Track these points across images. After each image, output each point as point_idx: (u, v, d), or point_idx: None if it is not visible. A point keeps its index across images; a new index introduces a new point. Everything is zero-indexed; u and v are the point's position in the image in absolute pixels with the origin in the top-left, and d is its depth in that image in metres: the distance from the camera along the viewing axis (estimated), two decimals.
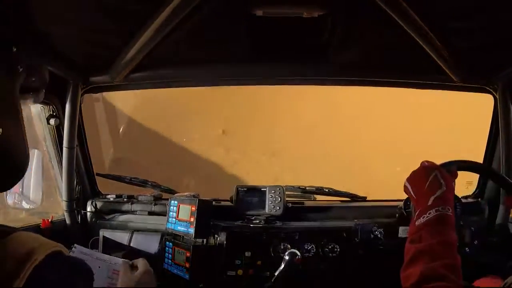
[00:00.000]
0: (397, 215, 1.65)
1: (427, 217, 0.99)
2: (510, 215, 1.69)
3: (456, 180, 1.16)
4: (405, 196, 1.62)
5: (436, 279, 0.88)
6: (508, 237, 1.67)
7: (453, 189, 1.09)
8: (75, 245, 1.27)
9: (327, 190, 1.81)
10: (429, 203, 1.01)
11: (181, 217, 1.64)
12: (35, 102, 1.17)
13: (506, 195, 1.32)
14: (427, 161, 1.14)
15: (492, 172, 1.56)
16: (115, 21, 1.28)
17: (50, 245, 0.68)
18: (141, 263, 1.09)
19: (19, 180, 0.76)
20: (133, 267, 1.08)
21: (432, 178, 1.05)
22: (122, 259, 1.14)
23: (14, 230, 0.67)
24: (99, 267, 1.19)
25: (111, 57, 1.55)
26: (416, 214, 1.03)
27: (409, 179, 1.12)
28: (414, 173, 1.12)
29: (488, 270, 1.47)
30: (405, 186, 1.13)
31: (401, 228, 1.35)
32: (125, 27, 1.33)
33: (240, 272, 1.60)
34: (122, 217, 1.80)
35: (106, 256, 1.21)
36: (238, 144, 3.95)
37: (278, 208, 1.68)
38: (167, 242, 1.66)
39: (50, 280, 0.65)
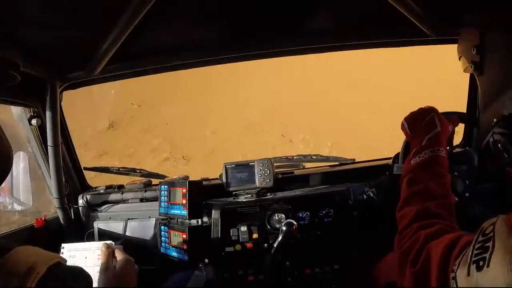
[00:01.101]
0: (387, 172, 1.67)
1: (422, 157, 1.02)
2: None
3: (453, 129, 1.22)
4: (391, 155, 1.66)
5: (431, 217, 0.91)
6: (501, 182, 1.68)
7: (449, 132, 1.13)
8: (63, 245, 1.29)
9: (314, 157, 1.83)
10: (423, 143, 1.04)
11: (173, 200, 1.66)
12: None
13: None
14: (427, 106, 1.17)
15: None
16: (85, 15, 1.29)
17: (49, 257, 0.72)
18: (119, 254, 1.07)
19: (2, 181, 0.79)
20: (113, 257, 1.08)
21: (429, 118, 1.09)
22: (103, 242, 1.13)
23: (11, 247, 0.70)
24: (86, 257, 1.20)
25: (86, 52, 1.56)
26: (412, 152, 1.06)
27: (407, 118, 1.16)
28: (412, 113, 1.16)
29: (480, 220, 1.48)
30: (402, 124, 1.17)
31: (395, 166, 1.38)
32: (97, 21, 1.34)
33: (238, 247, 1.62)
34: (115, 207, 1.81)
35: (91, 244, 1.22)
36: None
37: (268, 180, 1.70)
38: (162, 226, 1.68)
39: None
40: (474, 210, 1.61)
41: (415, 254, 0.85)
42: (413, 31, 1.66)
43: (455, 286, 0.68)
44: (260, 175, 1.70)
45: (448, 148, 1.48)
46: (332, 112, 4.28)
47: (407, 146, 1.31)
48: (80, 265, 1.20)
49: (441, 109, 1.24)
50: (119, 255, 1.07)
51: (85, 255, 1.21)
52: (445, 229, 0.86)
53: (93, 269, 1.14)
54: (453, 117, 1.23)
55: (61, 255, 1.25)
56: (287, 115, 4.44)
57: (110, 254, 1.07)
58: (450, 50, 1.75)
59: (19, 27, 1.26)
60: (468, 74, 1.74)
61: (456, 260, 0.70)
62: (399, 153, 1.54)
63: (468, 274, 0.63)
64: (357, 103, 4.33)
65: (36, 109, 1.72)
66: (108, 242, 1.12)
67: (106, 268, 1.04)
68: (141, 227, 1.73)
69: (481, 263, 0.61)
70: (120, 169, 1.87)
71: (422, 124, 1.09)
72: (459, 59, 1.63)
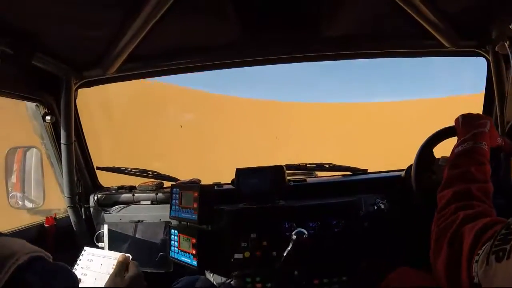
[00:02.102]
0: (399, 185, 1.67)
1: (465, 146, 1.08)
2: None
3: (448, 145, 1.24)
4: (405, 166, 1.66)
5: (471, 198, 0.93)
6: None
7: (496, 139, 1.19)
8: (85, 248, 1.32)
9: (327, 166, 1.83)
10: (470, 135, 1.11)
11: (184, 204, 1.66)
12: None
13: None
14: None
15: None
16: (103, 13, 1.30)
17: (32, 249, 0.73)
18: (132, 267, 1.12)
19: None
20: (126, 269, 1.11)
21: (483, 121, 1.16)
22: (121, 254, 1.16)
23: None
24: (101, 264, 1.24)
25: (102, 49, 1.58)
26: (457, 143, 1.13)
27: (464, 114, 1.23)
28: (470, 113, 1.23)
29: None
30: (457, 118, 1.23)
31: (442, 157, 1.44)
32: (114, 18, 1.35)
33: (247, 254, 1.62)
34: (125, 209, 1.83)
35: (111, 253, 1.25)
36: None
37: (280, 187, 1.70)
38: (172, 230, 1.68)
39: (31, 282, 0.68)
40: None
41: (452, 234, 0.86)
42: (430, 42, 1.67)
43: (476, 271, 0.70)
44: (272, 182, 1.70)
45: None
46: None
47: (449, 131, 1.37)
48: (92, 270, 1.23)
49: None
50: (132, 268, 1.11)
51: (101, 262, 1.24)
52: (483, 212, 0.88)
53: (105, 276, 1.16)
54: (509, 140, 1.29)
55: (81, 256, 1.29)
56: None
57: (123, 265, 1.11)
58: None
59: (35, 21, 1.26)
60: None
61: (484, 245, 0.72)
62: (411, 164, 1.55)
63: (487, 263, 0.65)
64: None
65: (50, 106, 1.73)
66: (127, 255, 1.14)
67: (116, 275, 1.08)
68: (151, 229, 1.74)
69: (501, 254, 0.63)
70: (133, 170, 1.88)
71: (475, 122, 1.16)
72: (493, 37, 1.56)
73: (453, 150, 1.11)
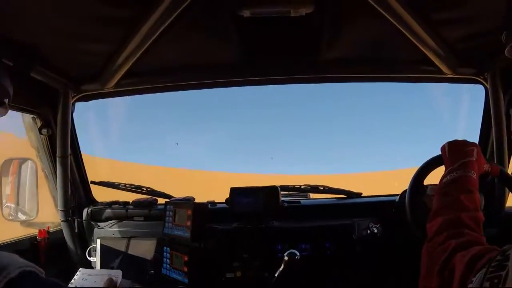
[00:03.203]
0: (393, 209, 1.69)
1: (453, 175, 1.06)
2: (505, 206, 1.73)
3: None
4: (399, 191, 1.68)
5: (460, 226, 0.92)
6: (505, 228, 1.70)
7: (482, 166, 1.17)
8: (80, 269, 1.33)
9: (322, 188, 1.84)
10: (457, 164, 1.09)
11: (177, 221, 1.67)
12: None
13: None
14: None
15: None
16: (103, 28, 1.32)
17: (24, 263, 0.71)
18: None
19: None
20: None
21: (469, 149, 1.14)
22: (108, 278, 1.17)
23: None
24: (95, 281, 1.25)
25: (101, 64, 1.60)
26: (444, 173, 1.11)
27: (449, 142, 1.21)
28: (456, 140, 1.21)
29: None
30: (443, 146, 1.21)
31: (429, 187, 1.41)
32: (114, 34, 1.37)
33: (238, 273, 1.64)
34: (118, 224, 1.83)
35: (105, 271, 1.26)
36: None
37: (274, 208, 1.71)
38: (165, 247, 1.69)
39: None
40: None
41: (443, 262, 0.86)
42: (429, 68, 1.69)
43: None
44: (266, 202, 1.71)
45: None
46: None
47: (437, 161, 1.36)
48: (87, 286, 1.25)
49: None
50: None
51: (95, 280, 1.26)
52: (475, 241, 0.87)
53: None
54: (496, 166, 1.28)
55: (75, 277, 1.30)
56: None
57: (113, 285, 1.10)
58: None
59: (35, 34, 1.28)
60: None
61: (477, 273, 0.71)
62: (406, 190, 1.56)
63: None
64: None
65: (47, 119, 1.75)
66: (114, 278, 1.15)
67: None
68: (144, 246, 1.75)
69: (495, 280, 0.63)
70: (127, 185, 1.89)
71: (462, 151, 1.14)
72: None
73: (441, 180, 1.10)
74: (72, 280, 1.29)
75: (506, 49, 0.82)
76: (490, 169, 1.23)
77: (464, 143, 1.18)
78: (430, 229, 0.99)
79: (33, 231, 1.73)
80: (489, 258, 0.72)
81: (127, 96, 1.88)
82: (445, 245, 0.89)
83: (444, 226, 0.94)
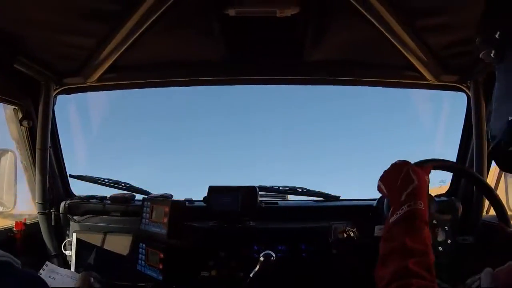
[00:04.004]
0: (370, 214, 1.69)
1: (399, 213, 0.99)
2: (483, 214, 1.74)
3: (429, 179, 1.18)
4: (378, 195, 1.68)
5: (409, 276, 0.88)
6: (481, 236, 1.71)
7: (426, 184, 1.10)
8: (47, 262, 1.30)
9: (300, 190, 1.85)
10: (402, 199, 1.02)
11: (154, 218, 1.67)
12: None
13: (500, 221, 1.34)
14: (399, 160, 1.15)
15: (466, 171, 1.58)
16: (88, 22, 1.33)
17: (0, 254, 0.72)
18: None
19: None
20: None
21: (403, 174, 1.06)
22: (83, 273, 1.16)
23: None
24: (63, 283, 1.22)
25: (84, 58, 1.60)
26: (390, 211, 1.04)
27: (382, 178, 1.14)
28: (386, 172, 1.14)
29: (462, 270, 1.51)
30: (378, 186, 1.15)
31: (376, 227, 1.35)
32: (98, 28, 1.38)
33: (214, 272, 1.64)
34: (95, 219, 1.83)
35: (73, 273, 1.23)
36: None
37: (251, 208, 1.72)
38: (141, 243, 1.69)
39: None
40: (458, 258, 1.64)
41: None
42: (413, 74, 1.70)
43: None
44: (244, 202, 1.71)
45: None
46: None
47: (387, 205, 1.31)
48: None
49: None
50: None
51: (63, 281, 1.23)
52: None
53: None
54: (427, 165, 1.21)
55: (42, 270, 1.26)
56: None
57: (87, 280, 1.09)
58: None
59: (19, 25, 1.29)
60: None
61: None
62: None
63: None
64: None
65: (29, 110, 1.75)
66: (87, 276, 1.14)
67: None
68: (120, 241, 1.75)
69: None
70: (106, 180, 1.89)
71: (398, 181, 1.07)
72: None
73: (387, 221, 1.03)
74: (41, 271, 1.26)
75: (481, 54, 0.82)
76: (427, 175, 1.16)
77: (395, 169, 1.11)
78: (379, 280, 0.94)
79: (10, 223, 1.73)
80: None
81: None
82: None
83: (392, 279, 0.89)
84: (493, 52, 0.74)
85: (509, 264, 0.67)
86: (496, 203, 1.31)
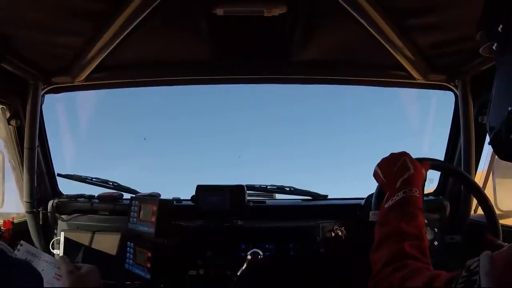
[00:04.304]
0: (358, 212, 1.70)
1: (394, 199, 1.01)
2: (471, 213, 1.74)
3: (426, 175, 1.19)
4: (365, 195, 1.69)
5: (404, 258, 0.90)
6: (469, 235, 1.72)
7: (422, 174, 1.12)
8: (21, 241, 1.22)
9: (288, 189, 1.86)
10: (397, 185, 1.03)
11: (142, 217, 1.68)
12: None
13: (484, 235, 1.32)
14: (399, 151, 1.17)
15: (463, 176, 1.54)
16: (75, 21, 1.33)
17: None
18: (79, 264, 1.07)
19: None
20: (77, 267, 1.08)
21: (401, 162, 1.08)
22: (61, 256, 1.12)
23: None
24: (43, 270, 1.16)
25: (72, 57, 1.60)
26: (386, 197, 1.05)
27: (379, 164, 1.16)
28: (384, 159, 1.16)
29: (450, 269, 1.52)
30: (375, 171, 1.16)
31: (371, 213, 1.35)
32: (86, 27, 1.38)
33: (201, 271, 1.65)
34: (83, 218, 1.83)
35: (51, 258, 1.17)
36: None
37: (239, 207, 1.72)
38: (128, 242, 1.70)
39: None
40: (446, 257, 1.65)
41: None
42: (400, 73, 1.71)
43: None
44: (232, 201, 1.72)
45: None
46: None
47: (380, 192, 1.30)
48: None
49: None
50: (82, 265, 1.08)
51: (42, 268, 1.17)
52: (419, 270, 0.85)
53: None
54: (425, 162, 1.22)
55: (16, 251, 1.19)
56: None
57: (69, 263, 1.06)
58: None
59: (7, 25, 1.28)
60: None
61: None
62: (372, 194, 1.57)
63: None
64: None
65: (16, 110, 1.75)
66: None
67: (71, 272, 1.03)
68: (108, 240, 1.75)
69: None
70: (94, 179, 1.90)
71: (395, 168, 1.08)
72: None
73: (382, 206, 1.05)
74: (16, 252, 1.18)
75: (481, 49, 0.82)
76: (425, 171, 1.18)
77: (394, 158, 1.12)
78: (375, 264, 0.95)
79: None
80: (449, 278, 0.71)
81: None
82: (388, 280, 0.87)
83: (388, 259, 0.91)
84: (495, 45, 0.75)
85: (508, 247, 0.67)
86: (491, 216, 1.28)
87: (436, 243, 1.68)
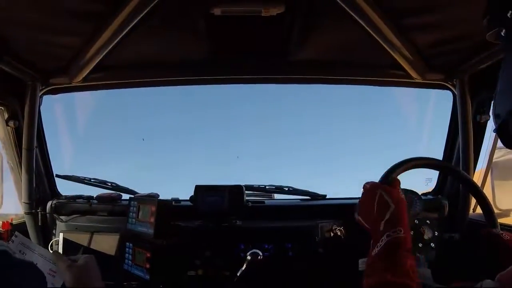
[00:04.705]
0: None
1: (380, 245, 0.93)
2: (469, 212, 1.74)
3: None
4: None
5: None
6: (467, 234, 1.72)
7: (404, 203, 1.01)
8: (16, 232, 1.18)
9: (287, 189, 1.86)
10: (381, 228, 0.95)
11: (141, 217, 1.68)
12: None
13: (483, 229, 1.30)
14: (368, 183, 1.09)
15: (428, 162, 1.48)
16: (73, 22, 1.33)
17: None
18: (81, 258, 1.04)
19: None
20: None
21: (377, 200, 0.99)
22: (54, 251, 1.10)
23: None
24: (36, 263, 1.12)
25: (70, 58, 1.61)
26: (371, 243, 0.97)
27: (358, 211, 1.07)
28: (361, 203, 1.07)
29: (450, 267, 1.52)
30: (357, 220, 1.07)
31: (360, 261, 1.27)
32: (84, 28, 1.38)
33: (200, 272, 1.65)
34: (82, 218, 1.83)
35: (45, 251, 1.13)
36: None
37: (238, 207, 1.72)
38: (127, 243, 1.70)
39: None
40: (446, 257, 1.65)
41: None
42: (399, 72, 1.71)
43: None
44: (230, 201, 1.72)
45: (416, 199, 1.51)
46: None
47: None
48: None
49: None
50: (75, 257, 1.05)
51: (36, 261, 1.13)
52: None
53: None
54: (392, 177, 1.10)
55: (10, 242, 1.16)
56: None
57: (65, 258, 1.04)
58: None
59: (4, 25, 1.28)
60: None
61: None
62: None
63: None
64: None
65: (15, 111, 1.75)
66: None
67: (69, 266, 1.00)
68: (106, 241, 1.75)
69: None
70: (92, 180, 1.90)
71: (375, 209, 0.99)
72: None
73: (369, 254, 0.96)
74: (10, 243, 1.14)
75: (488, 34, 0.81)
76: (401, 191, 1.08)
77: (368, 198, 1.02)
78: None
79: None
80: None
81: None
82: None
83: None
84: (503, 31, 0.74)
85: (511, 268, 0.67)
86: (490, 214, 1.26)
87: (433, 244, 1.67)
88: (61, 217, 1.83)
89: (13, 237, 1.09)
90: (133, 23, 1.36)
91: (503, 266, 0.81)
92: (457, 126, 1.74)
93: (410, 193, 1.65)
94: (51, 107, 1.93)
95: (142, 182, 1.95)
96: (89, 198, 1.88)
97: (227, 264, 1.64)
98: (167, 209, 1.70)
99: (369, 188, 1.05)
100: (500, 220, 1.26)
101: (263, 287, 1.64)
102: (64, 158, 2.17)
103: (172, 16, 1.40)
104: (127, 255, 1.70)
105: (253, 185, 1.86)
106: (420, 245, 1.63)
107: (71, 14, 1.27)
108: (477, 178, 1.80)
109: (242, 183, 1.75)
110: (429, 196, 1.85)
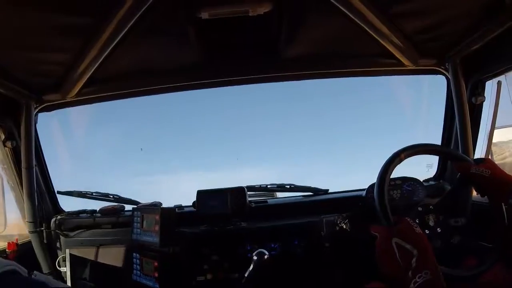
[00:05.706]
0: (360, 204, 1.70)
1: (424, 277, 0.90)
2: (472, 195, 1.74)
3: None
4: (366, 186, 1.69)
5: None
6: (473, 216, 1.72)
7: (423, 241, 0.98)
8: (35, 272, 1.24)
9: (288, 186, 1.86)
10: (409, 275, 0.92)
11: (145, 227, 1.68)
12: None
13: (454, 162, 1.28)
14: (373, 228, 1.09)
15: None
16: (61, 38, 1.34)
17: (5, 262, 0.73)
18: None
19: None
20: None
21: (398, 253, 0.97)
22: None
23: None
24: None
25: (62, 74, 1.61)
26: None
27: (381, 268, 1.03)
28: (379, 259, 1.03)
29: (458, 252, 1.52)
30: (384, 275, 1.02)
31: None
32: (73, 42, 1.39)
33: (209, 276, 1.66)
34: (87, 233, 1.84)
35: (62, 285, 1.18)
36: None
37: (241, 209, 1.73)
38: (134, 254, 1.70)
39: None
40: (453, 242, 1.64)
41: None
42: (391, 61, 1.71)
43: None
44: (233, 204, 1.73)
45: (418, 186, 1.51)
46: None
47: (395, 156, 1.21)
48: None
49: None
50: None
51: None
52: None
53: None
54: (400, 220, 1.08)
55: None
56: None
57: None
58: None
59: None
60: None
61: None
62: (372, 184, 1.57)
63: None
64: None
65: (11, 131, 1.75)
66: None
67: None
68: (113, 253, 1.76)
69: None
70: (94, 193, 1.90)
71: (397, 263, 0.96)
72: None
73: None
74: None
75: None
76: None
77: (385, 250, 0.99)
78: None
79: (1, 244, 1.73)
80: None
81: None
82: None
83: None
84: None
85: None
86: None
87: (439, 229, 1.67)
88: (65, 233, 1.84)
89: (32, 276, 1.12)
90: (122, 34, 1.37)
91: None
92: (453, 110, 1.73)
93: (411, 181, 1.66)
94: (47, 124, 1.92)
95: (144, 192, 1.95)
96: (93, 212, 1.89)
97: (235, 266, 1.65)
98: (171, 217, 1.70)
99: (381, 239, 1.02)
100: None
101: (273, 286, 1.64)
102: (64, 174, 2.17)
103: (160, 24, 1.40)
104: (135, 265, 1.69)
105: (254, 186, 1.86)
106: (426, 231, 1.63)
107: (59, 30, 1.28)
108: None
109: (244, 184, 1.76)
110: (431, 182, 1.85)
